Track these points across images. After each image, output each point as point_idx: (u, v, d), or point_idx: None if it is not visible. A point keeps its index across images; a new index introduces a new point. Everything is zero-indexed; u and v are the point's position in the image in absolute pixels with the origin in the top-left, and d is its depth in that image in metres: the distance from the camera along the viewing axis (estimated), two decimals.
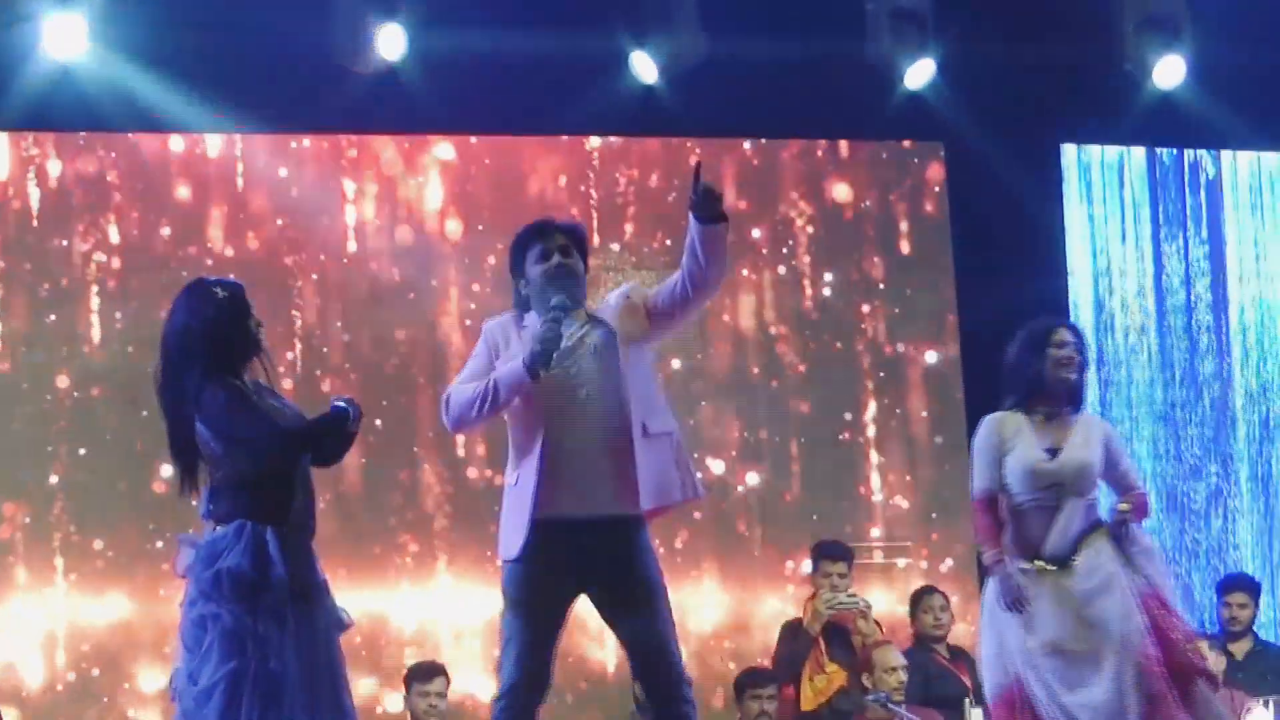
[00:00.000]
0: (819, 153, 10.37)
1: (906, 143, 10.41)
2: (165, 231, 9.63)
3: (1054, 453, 6.28)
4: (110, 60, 9.14)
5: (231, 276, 5.62)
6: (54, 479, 9.41)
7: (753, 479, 10.09)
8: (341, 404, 5.35)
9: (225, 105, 9.26)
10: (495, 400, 5.58)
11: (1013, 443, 6.30)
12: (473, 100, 9.57)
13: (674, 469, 5.64)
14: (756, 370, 10.21)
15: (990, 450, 6.35)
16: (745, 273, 10.22)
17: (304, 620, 5.29)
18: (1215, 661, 8.53)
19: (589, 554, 5.57)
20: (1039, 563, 6.26)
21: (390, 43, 9.39)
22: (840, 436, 10.22)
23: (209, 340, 5.33)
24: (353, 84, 9.43)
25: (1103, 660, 6.15)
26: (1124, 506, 6.32)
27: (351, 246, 9.83)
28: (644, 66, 9.78)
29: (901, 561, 10.05)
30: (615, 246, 9.92)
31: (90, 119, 9.33)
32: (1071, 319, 10.44)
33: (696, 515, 9.67)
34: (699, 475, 5.80)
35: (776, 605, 9.82)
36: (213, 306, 5.38)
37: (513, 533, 5.62)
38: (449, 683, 8.34)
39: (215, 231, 9.69)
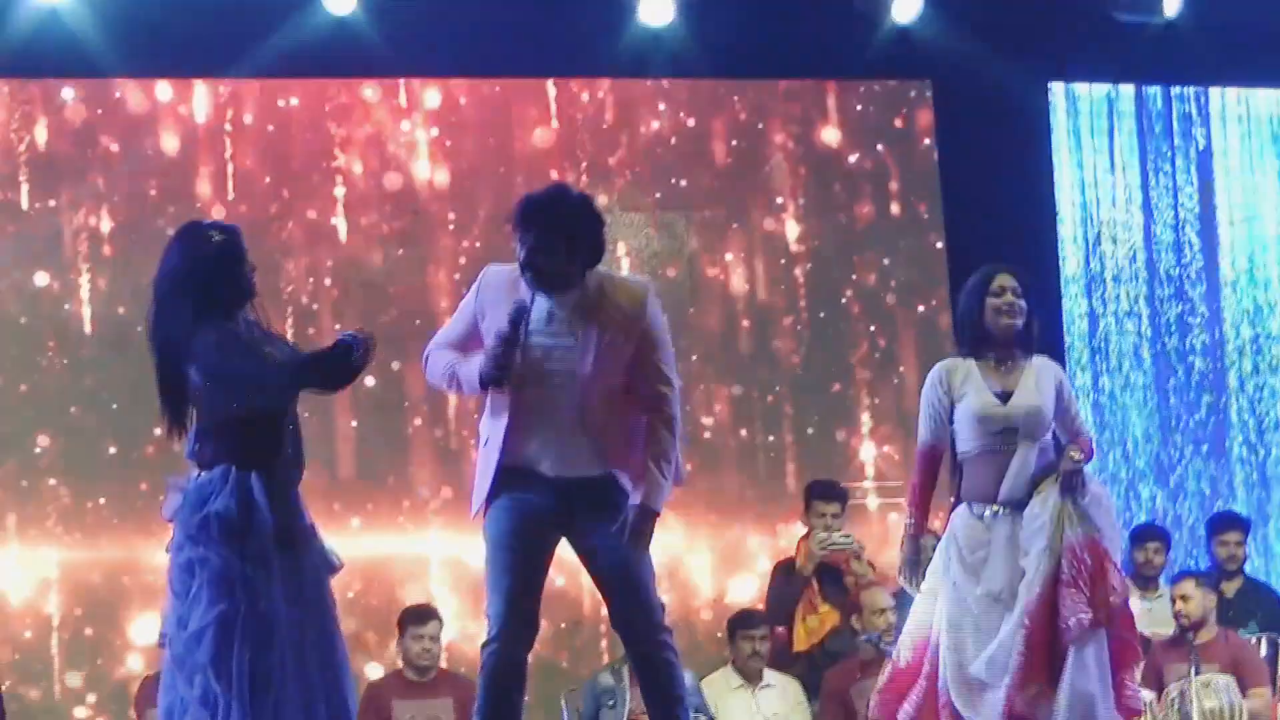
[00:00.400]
0: (806, 99, 10.35)
1: (894, 83, 10.36)
2: (153, 189, 9.62)
3: (1004, 397, 6.16)
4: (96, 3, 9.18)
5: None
6: (44, 440, 9.43)
7: (743, 431, 10.10)
8: (347, 338, 5.24)
9: (207, 50, 9.27)
10: (460, 390, 5.62)
11: (962, 389, 6.17)
12: (458, 44, 9.58)
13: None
14: (746, 323, 10.20)
15: (934, 401, 6.22)
16: (735, 225, 10.23)
17: (290, 564, 5.26)
18: (1204, 600, 8.56)
19: (563, 498, 5.54)
20: (995, 507, 6.14)
21: None
22: (831, 388, 10.21)
23: (200, 283, 5.27)
24: (337, 26, 9.43)
25: (1012, 610, 6.06)
26: (1076, 455, 6.19)
27: (339, 193, 9.80)
28: (654, 7, 9.76)
29: (893, 516, 10.02)
30: (604, 199, 9.89)
31: (78, 64, 9.32)
32: (1061, 272, 10.44)
33: (687, 466, 9.67)
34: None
35: (767, 554, 9.82)
36: (207, 249, 5.33)
37: (481, 482, 5.59)
38: (442, 625, 8.40)
39: (203, 186, 9.69)
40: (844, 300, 10.28)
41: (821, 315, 10.25)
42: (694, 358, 10.01)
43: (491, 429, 5.61)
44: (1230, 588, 9.20)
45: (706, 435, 9.98)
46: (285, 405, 5.35)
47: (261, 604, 5.18)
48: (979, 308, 6.21)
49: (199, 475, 5.30)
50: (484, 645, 5.56)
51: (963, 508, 6.24)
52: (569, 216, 5.52)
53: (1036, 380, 6.21)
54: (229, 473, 5.24)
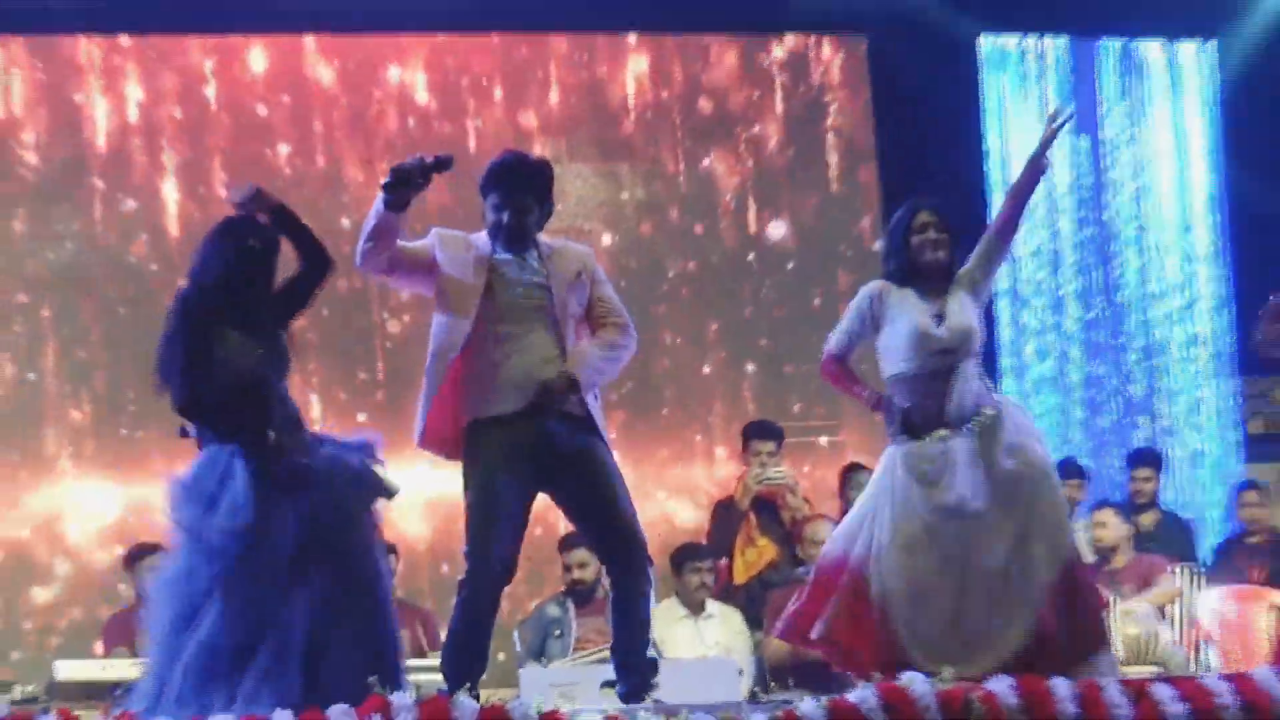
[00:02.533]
0: (744, 51, 10.59)
1: (829, 37, 10.61)
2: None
3: (939, 320, 6.24)
4: None
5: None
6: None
7: (698, 368, 10.40)
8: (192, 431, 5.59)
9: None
10: (373, 230, 5.80)
11: (896, 310, 6.25)
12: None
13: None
14: (693, 266, 10.45)
15: (862, 315, 6.31)
16: (680, 175, 10.50)
17: (272, 506, 5.50)
18: (1119, 528, 8.85)
19: (541, 444, 5.85)
20: (941, 432, 6.17)
21: None
22: (776, 334, 10.48)
23: (202, 284, 5.62)
24: None
25: (1005, 524, 6.09)
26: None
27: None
28: None
29: (824, 440, 10.32)
30: (552, 151, 10.11)
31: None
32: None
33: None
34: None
35: (708, 488, 10.15)
36: (231, 255, 5.61)
37: (443, 428, 5.93)
38: (399, 559, 8.52)
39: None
40: (780, 247, 10.59)
41: (763, 263, 10.56)
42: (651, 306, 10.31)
43: (445, 375, 5.90)
44: (1148, 520, 9.52)
45: (662, 370, 10.27)
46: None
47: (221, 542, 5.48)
48: (904, 243, 6.34)
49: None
50: (460, 583, 5.85)
51: (904, 441, 6.22)
52: (535, 178, 6.01)
53: (959, 301, 6.27)
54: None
